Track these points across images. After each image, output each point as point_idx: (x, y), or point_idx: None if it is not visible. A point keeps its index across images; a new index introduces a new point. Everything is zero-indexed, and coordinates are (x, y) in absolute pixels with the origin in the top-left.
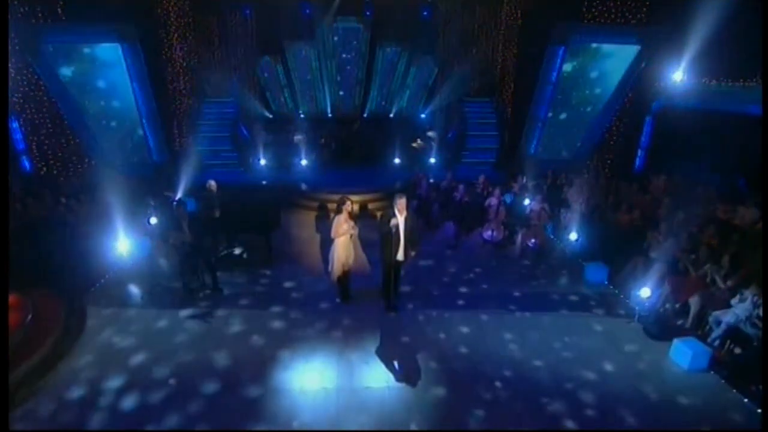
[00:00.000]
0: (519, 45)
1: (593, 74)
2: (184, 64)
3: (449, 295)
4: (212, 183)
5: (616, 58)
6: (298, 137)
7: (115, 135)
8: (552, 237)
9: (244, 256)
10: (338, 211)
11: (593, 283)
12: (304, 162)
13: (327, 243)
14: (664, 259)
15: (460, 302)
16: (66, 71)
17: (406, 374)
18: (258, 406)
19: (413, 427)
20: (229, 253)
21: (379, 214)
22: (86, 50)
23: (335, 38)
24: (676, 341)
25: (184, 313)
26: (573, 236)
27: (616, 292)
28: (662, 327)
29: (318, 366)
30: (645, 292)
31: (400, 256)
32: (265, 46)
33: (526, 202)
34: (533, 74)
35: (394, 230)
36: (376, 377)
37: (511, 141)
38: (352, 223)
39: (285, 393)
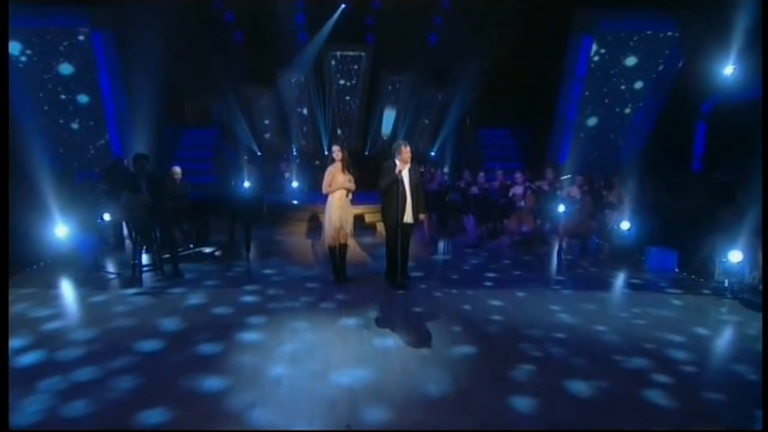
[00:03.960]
0: (536, 38)
1: (629, 63)
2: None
3: (473, 278)
4: (177, 169)
5: (651, 47)
6: (287, 174)
7: (75, 138)
8: (596, 240)
9: (216, 254)
10: (330, 161)
11: (660, 270)
12: (295, 184)
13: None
14: (750, 229)
15: (488, 284)
16: (18, 52)
17: (421, 336)
18: (213, 361)
19: (432, 383)
20: (197, 251)
21: (377, 224)
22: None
23: (333, 65)
24: None
25: (130, 291)
26: (625, 225)
27: (693, 277)
28: None
29: (301, 327)
30: (735, 255)
31: (407, 217)
32: (256, 75)
33: (561, 208)
34: (556, 70)
35: (399, 179)
36: (380, 337)
37: (536, 152)
38: (349, 176)
39: (253, 349)
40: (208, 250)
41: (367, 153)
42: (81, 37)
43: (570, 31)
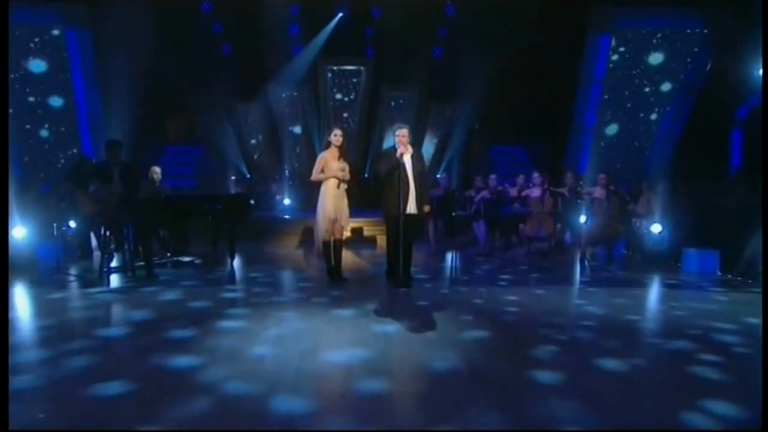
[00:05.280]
0: (549, 41)
1: (654, 61)
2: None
3: (486, 279)
4: (156, 169)
5: (677, 45)
6: (279, 196)
7: (42, 146)
8: (624, 250)
9: (197, 262)
10: (325, 146)
11: (700, 273)
12: (287, 201)
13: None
14: None
15: (502, 283)
16: None
17: (426, 323)
18: (185, 344)
19: (439, 360)
20: (174, 261)
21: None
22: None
23: (329, 78)
24: None
25: (94, 290)
26: (656, 228)
27: (740, 279)
28: None
29: (289, 317)
30: None
31: (411, 207)
32: (246, 90)
33: (582, 219)
34: (571, 75)
35: (401, 164)
36: (379, 324)
37: (553, 168)
38: (343, 164)
39: (232, 334)
40: (187, 259)
41: (366, 175)
42: (55, 32)
43: (586, 30)
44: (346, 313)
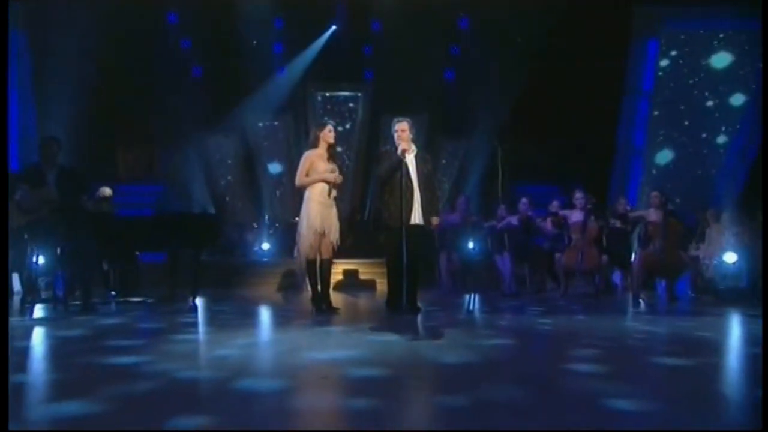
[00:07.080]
0: (583, 54)
1: (717, 65)
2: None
3: (513, 309)
4: (106, 190)
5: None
6: (257, 248)
7: None
8: (689, 291)
9: (148, 302)
10: (312, 143)
11: None
12: (266, 246)
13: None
14: None
15: (534, 311)
16: None
17: (435, 333)
18: (128, 348)
19: (449, 357)
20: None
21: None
22: None
23: (320, 105)
24: None
25: (13, 319)
26: (731, 258)
27: None
28: None
29: (264, 333)
30: None
31: (415, 217)
32: (217, 118)
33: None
34: (613, 90)
35: (403, 162)
36: (376, 335)
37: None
38: (333, 165)
39: (191, 342)
40: (136, 299)
41: (366, 217)
42: None
43: (627, 35)
44: (336, 329)
